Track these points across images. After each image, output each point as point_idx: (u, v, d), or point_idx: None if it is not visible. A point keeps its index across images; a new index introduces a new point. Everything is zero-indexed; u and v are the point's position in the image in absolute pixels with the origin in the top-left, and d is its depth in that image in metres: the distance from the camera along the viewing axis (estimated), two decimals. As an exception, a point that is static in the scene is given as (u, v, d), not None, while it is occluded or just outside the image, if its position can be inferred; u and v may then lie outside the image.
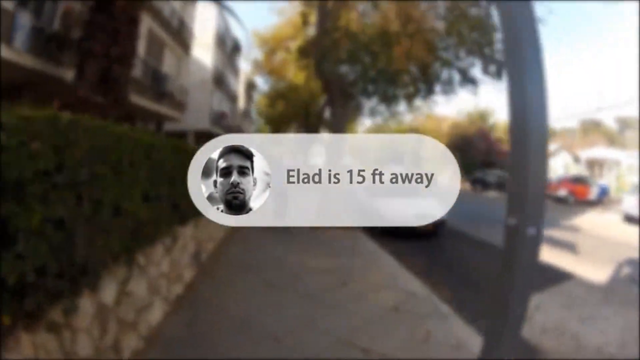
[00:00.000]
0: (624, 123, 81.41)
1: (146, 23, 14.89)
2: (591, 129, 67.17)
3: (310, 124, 23.89)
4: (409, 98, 13.07)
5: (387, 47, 10.69)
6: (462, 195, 23.58)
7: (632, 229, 13.76)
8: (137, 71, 14.00)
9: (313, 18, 13.66)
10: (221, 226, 8.26)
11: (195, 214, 5.39)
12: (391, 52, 10.62)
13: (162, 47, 17.47)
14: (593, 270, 7.84)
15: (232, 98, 33.35)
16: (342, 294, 5.71)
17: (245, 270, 6.73)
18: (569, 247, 10.21)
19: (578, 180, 24.16)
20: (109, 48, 6.83)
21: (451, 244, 10.29)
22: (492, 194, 28.23)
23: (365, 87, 11.65)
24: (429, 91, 12.27)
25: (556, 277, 7.23)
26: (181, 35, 19.22)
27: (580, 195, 22.92)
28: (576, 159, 38.86)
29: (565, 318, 5.31)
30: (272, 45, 20.60)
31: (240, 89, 37.69)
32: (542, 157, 2.22)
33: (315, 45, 12.08)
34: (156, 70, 16.52)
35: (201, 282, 5.85)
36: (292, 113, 23.57)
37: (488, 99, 78.14)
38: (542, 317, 5.20)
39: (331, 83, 11.59)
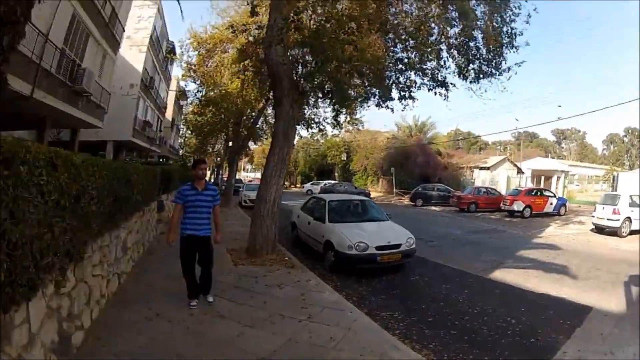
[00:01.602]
0: (561, 134, 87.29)
1: (70, 4, 12.15)
2: (526, 141, 70.47)
3: (238, 134, 22.60)
4: (359, 102, 11.42)
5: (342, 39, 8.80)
6: (405, 211, 22.25)
7: (612, 242, 14.28)
8: (47, 59, 11.16)
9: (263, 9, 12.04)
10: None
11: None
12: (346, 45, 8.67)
13: (86, 37, 14.30)
14: (606, 297, 7.30)
15: (160, 107, 30.80)
16: None
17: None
18: (563, 271, 9.43)
19: (536, 193, 23.90)
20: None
21: (428, 279, 8.38)
22: (435, 208, 27.64)
23: (322, 81, 9.48)
24: (385, 96, 10.13)
25: (575, 311, 6.47)
26: (110, 28, 16.24)
27: (538, 208, 22.76)
28: (519, 170, 39.26)
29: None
30: (208, 47, 18.34)
31: (169, 98, 35.17)
32: None
33: (266, 31, 9.92)
34: (74, 63, 13.44)
35: None
36: (221, 122, 21.48)
37: (429, 111, 78.84)
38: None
39: (280, 74, 9.35)
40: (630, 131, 73.56)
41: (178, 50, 21.16)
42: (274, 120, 9.37)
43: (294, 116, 9.54)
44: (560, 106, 61.26)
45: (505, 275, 8.82)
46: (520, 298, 7.13)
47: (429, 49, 9.13)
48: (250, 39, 15.01)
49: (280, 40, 8.94)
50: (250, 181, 36.46)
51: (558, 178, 37.88)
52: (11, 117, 12.36)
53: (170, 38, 30.32)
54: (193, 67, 19.58)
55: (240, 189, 27.21)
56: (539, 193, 23.99)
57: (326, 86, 9.67)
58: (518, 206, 22.35)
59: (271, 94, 16.09)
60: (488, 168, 39.13)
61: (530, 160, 43.97)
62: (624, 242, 14.36)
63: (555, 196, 24.55)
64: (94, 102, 15.55)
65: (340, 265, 8.38)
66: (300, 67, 10.09)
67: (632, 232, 15.56)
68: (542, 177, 39.20)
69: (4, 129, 12.40)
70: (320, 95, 11.02)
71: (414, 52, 9.43)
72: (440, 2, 8.87)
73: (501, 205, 23.69)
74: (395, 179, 37.09)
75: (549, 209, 23.14)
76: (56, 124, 14.99)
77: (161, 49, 27.66)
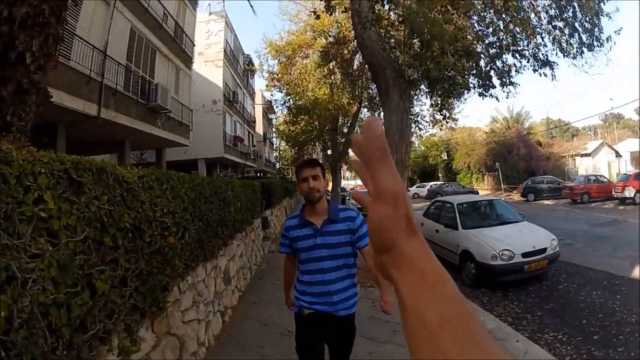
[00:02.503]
0: None
1: (125, 18, 11.80)
2: (613, 123, 62.91)
3: (336, 141, 21.29)
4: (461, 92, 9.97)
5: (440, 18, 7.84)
6: (520, 208, 20.60)
7: None
8: (111, 76, 10.75)
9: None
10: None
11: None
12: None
13: (152, 53, 13.92)
14: None
15: (249, 121, 30.82)
16: None
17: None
18: None
19: None
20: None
21: (577, 286, 7.18)
22: (547, 202, 25.45)
23: (428, 67, 8.11)
24: (486, 84, 9.06)
25: None
26: (178, 43, 15.93)
27: None
28: (617, 154, 34.78)
29: None
30: (288, 53, 17.73)
31: (257, 112, 35.34)
32: None
33: (352, 17, 8.75)
34: (144, 79, 13.04)
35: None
36: (316, 129, 20.49)
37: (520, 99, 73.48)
38: None
39: (380, 62, 7.97)
40: None
41: (256, 62, 20.86)
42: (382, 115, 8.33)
43: (406, 109, 8.14)
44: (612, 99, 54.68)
45: None
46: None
47: (521, 28, 8.36)
48: (331, 39, 14.41)
49: (372, 21, 7.76)
50: (352, 189, 35.45)
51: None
52: (88, 144, 12.27)
53: (245, 52, 30.39)
54: (276, 76, 19.10)
55: (347, 198, 26.09)
56: None
57: (433, 74, 8.37)
58: (629, 192, 19.86)
59: (368, 92, 15.41)
60: (589, 154, 35.39)
61: (624, 142, 38.58)
62: None
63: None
64: (175, 119, 15.20)
65: (483, 277, 7.32)
66: (401, 54, 8.88)
67: None
68: None
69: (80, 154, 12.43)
70: (426, 84, 9.69)
71: (507, 35, 8.58)
72: None
73: (612, 192, 21.26)
74: (500, 174, 34.27)
75: None
76: (136, 145, 14.72)
77: (238, 63, 27.57)
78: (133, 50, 12.46)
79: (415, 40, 8.59)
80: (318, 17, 11.24)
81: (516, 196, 30.23)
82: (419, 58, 8.09)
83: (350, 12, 9.01)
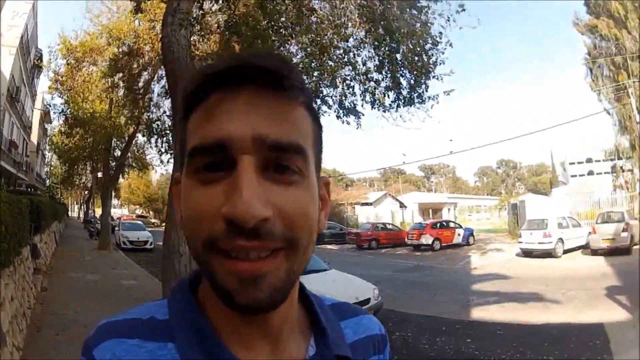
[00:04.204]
0: (429, 170, 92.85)
1: None
2: (393, 177, 73.65)
3: (109, 163, 19.64)
4: None
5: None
6: None
7: (554, 263, 14.79)
8: None
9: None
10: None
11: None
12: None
13: None
14: (602, 311, 7.33)
15: (25, 127, 26.25)
16: None
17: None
18: (538, 299, 9.02)
19: (443, 226, 23.79)
20: None
21: (414, 335, 6.96)
22: (331, 247, 25.55)
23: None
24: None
25: (596, 331, 6.22)
26: None
27: (447, 240, 22.54)
28: (401, 205, 39.85)
29: None
30: (78, 55, 15.23)
31: (35, 118, 30.45)
32: None
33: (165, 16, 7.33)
34: None
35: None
36: (90, 146, 18.28)
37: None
38: None
39: (183, 72, 6.56)
40: (504, 162, 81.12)
41: (46, 57, 17.82)
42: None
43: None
44: (451, 140, 66.05)
45: (486, 313, 8.17)
46: (532, 334, 6.58)
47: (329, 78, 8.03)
48: (124, 48, 12.98)
49: (194, 20, 6.69)
50: (124, 219, 32.59)
51: (448, 210, 39.08)
52: None
53: (39, 45, 26.17)
54: (61, 78, 16.26)
55: (117, 228, 23.44)
56: (444, 225, 23.99)
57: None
58: (426, 240, 21.95)
59: (148, 116, 14.00)
60: (371, 204, 39.23)
61: (409, 194, 45.01)
62: (566, 261, 15.10)
63: (461, 227, 24.62)
64: None
65: None
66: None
67: (565, 252, 16.54)
68: (430, 210, 40.08)
69: None
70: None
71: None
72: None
73: (406, 239, 23.36)
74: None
75: (457, 240, 23.00)
76: None
77: (29, 56, 23.65)
78: None
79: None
80: (137, 11, 9.47)
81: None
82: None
83: (162, 15, 7.66)
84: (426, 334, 6.87)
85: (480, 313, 8.18)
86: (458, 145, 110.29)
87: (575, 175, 36.84)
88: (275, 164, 0.45)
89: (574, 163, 39.45)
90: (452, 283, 11.90)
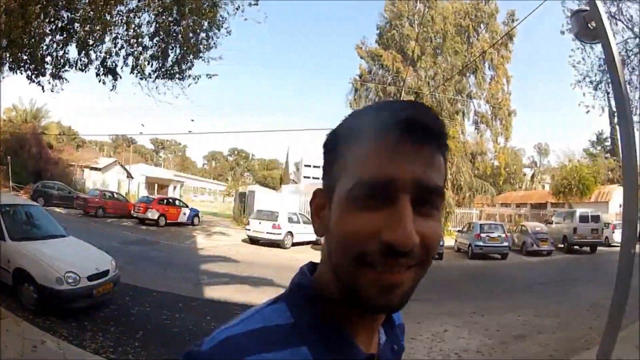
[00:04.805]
0: (160, 144, 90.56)
1: None
2: (122, 145, 70.06)
3: None
4: None
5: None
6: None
7: (281, 253, 15.90)
8: None
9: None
10: None
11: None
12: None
13: None
14: None
15: None
16: None
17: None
18: (271, 283, 9.38)
19: (169, 203, 23.77)
20: None
21: (153, 310, 6.85)
22: (60, 210, 23.68)
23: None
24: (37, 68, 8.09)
25: None
26: None
27: (172, 217, 22.61)
28: (129, 175, 38.32)
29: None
30: None
31: None
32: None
33: None
34: None
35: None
36: None
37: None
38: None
39: None
40: (237, 152, 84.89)
41: None
42: None
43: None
44: (193, 120, 65.43)
45: (221, 293, 8.35)
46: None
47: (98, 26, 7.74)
48: None
49: None
50: None
51: (174, 187, 38.84)
52: None
53: None
54: None
55: None
56: (171, 202, 24.07)
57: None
58: (152, 214, 21.65)
59: None
60: (100, 169, 36.76)
61: (137, 165, 43.61)
62: (294, 253, 16.06)
63: (187, 206, 24.89)
64: None
65: (49, 303, 5.84)
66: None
67: (294, 244, 17.75)
68: (156, 185, 39.51)
69: None
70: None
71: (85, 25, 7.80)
72: None
73: (132, 212, 22.63)
74: (10, 170, 29.26)
75: (182, 218, 23.23)
76: None
77: None
78: None
79: None
80: None
81: (24, 197, 26.56)
82: None
83: None
84: (165, 310, 6.82)
85: (214, 292, 8.38)
86: (198, 127, 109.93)
87: (309, 177, 40.92)
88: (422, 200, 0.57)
89: (309, 166, 43.27)
90: (182, 261, 11.99)
